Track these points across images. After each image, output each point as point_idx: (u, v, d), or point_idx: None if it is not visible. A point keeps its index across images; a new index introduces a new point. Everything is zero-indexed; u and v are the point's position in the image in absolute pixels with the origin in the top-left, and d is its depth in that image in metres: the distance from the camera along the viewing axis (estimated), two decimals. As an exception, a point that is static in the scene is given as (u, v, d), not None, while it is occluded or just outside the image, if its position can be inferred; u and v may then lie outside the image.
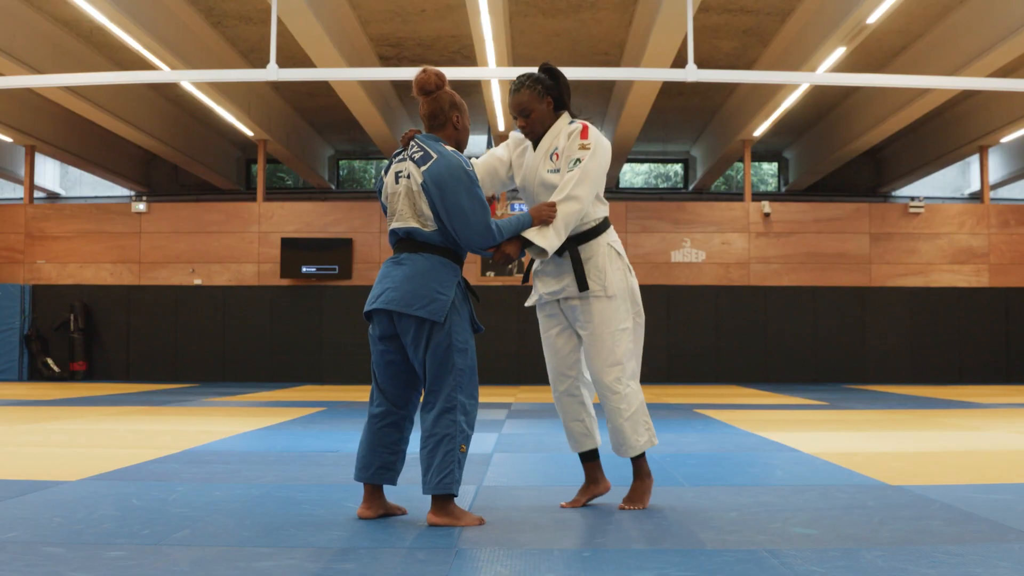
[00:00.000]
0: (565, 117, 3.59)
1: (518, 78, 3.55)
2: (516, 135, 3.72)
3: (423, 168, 3.28)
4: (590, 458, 3.71)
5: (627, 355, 3.55)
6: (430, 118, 3.41)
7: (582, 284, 3.49)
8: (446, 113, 3.40)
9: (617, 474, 4.12)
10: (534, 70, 3.58)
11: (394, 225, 3.40)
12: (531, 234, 3.41)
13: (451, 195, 3.24)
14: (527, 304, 3.76)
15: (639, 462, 3.61)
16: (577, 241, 3.54)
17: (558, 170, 3.50)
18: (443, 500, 3.25)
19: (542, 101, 3.53)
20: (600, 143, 3.51)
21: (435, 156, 3.29)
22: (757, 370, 15.04)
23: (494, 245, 3.37)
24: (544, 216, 3.41)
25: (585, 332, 3.56)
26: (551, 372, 3.71)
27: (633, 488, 3.61)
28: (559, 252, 3.52)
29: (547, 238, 3.39)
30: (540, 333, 3.72)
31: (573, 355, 3.66)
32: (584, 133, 3.48)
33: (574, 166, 3.45)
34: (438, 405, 3.26)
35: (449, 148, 3.35)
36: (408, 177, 3.33)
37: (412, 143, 3.39)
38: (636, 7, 11.85)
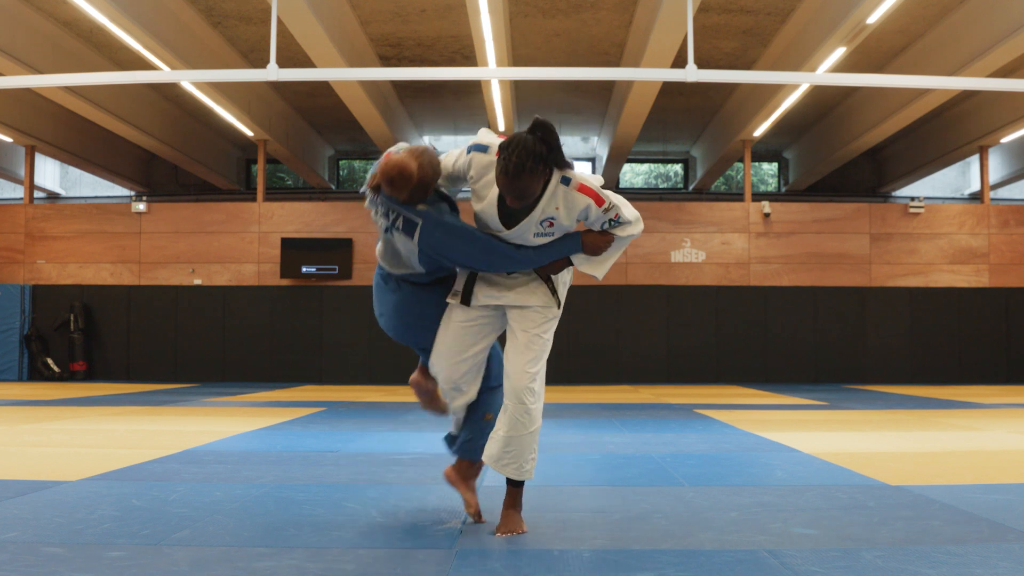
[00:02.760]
0: (555, 176, 3.05)
1: (517, 161, 2.88)
2: (482, 159, 3.11)
3: (415, 239, 3.10)
4: None
5: (543, 371, 3.23)
6: (407, 200, 3.13)
7: (558, 300, 3.24)
8: (421, 195, 3.12)
9: (603, 477, 4.12)
10: (530, 124, 2.99)
11: (387, 269, 3.31)
12: (585, 267, 3.20)
13: (454, 251, 3.11)
14: (457, 302, 3.28)
15: (515, 493, 3.26)
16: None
17: (551, 234, 3.13)
18: (462, 463, 3.44)
19: (542, 179, 2.99)
20: (614, 196, 3.13)
21: (419, 221, 3.09)
22: (757, 370, 15.04)
23: (530, 267, 3.15)
24: (599, 247, 3.16)
25: (525, 333, 3.20)
26: (446, 358, 3.30)
27: (506, 517, 3.24)
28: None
29: (600, 270, 3.22)
30: (449, 317, 3.29)
31: (474, 350, 3.30)
32: (598, 200, 3.06)
33: (612, 226, 3.14)
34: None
35: (423, 207, 3.13)
36: (395, 237, 3.18)
37: (386, 204, 3.15)
38: (636, 7, 11.85)
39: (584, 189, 3.03)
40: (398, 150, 3.13)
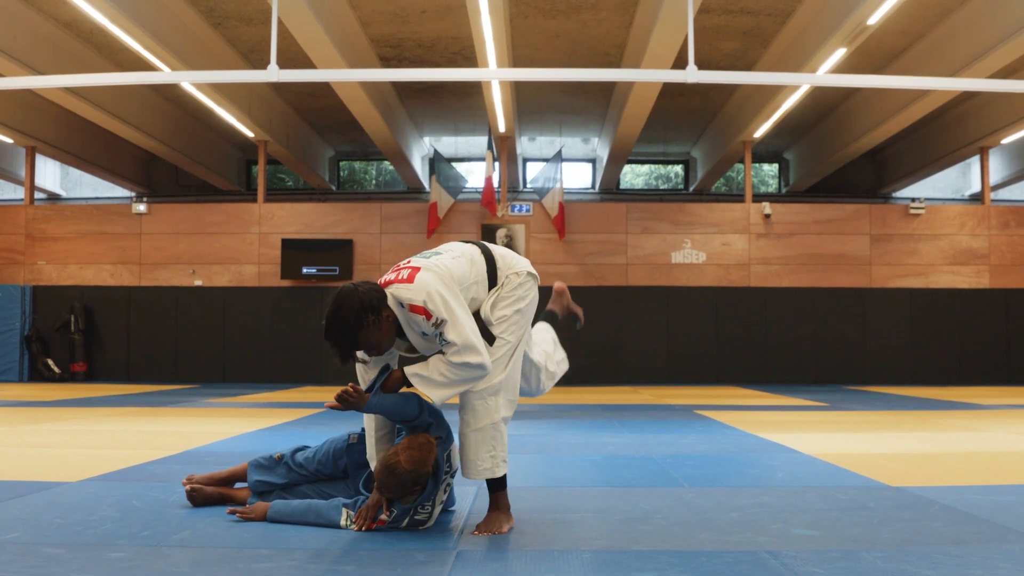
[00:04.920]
0: (393, 305, 3.16)
1: (335, 342, 3.14)
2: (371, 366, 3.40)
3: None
4: None
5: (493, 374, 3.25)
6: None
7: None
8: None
9: (603, 478, 4.10)
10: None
11: None
12: (423, 388, 3.20)
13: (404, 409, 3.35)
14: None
15: (496, 496, 3.32)
16: None
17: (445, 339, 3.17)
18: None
19: (380, 325, 3.12)
20: (423, 291, 3.10)
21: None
22: (757, 371, 15.04)
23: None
24: (388, 386, 3.27)
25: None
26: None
27: (489, 517, 3.29)
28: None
29: (434, 394, 3.18)
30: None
31: None
32: (426, 315, 3.10)
33: (442, 340, 3.14)
34: None
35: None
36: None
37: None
38: (636, 8, 11.86)
39: (414, 309, 3.12)
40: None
